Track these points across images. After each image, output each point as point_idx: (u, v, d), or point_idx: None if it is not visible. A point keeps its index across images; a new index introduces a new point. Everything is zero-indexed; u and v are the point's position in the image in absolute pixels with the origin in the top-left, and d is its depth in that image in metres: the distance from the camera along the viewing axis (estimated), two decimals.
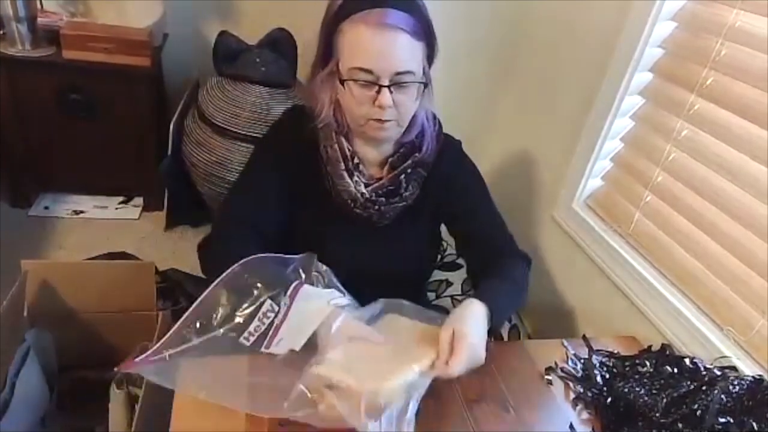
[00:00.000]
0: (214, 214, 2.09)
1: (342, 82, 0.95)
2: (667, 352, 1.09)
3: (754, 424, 0.86)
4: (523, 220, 1.72)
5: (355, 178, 1.04)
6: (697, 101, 1.18)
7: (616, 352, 1.11)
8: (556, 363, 1.05)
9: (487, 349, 0.86)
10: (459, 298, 1.55)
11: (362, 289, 0.94)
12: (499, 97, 1.89)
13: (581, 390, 1.00)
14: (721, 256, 1.13)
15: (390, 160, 1.07)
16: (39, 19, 1.92)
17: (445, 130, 1.14)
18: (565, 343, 1.11)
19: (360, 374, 0.77)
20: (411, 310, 0.94)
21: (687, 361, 1.02)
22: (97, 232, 2.14)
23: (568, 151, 1.51)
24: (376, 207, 1.06)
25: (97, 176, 2.21)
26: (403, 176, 1.06)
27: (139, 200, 2.32)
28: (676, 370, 1.00)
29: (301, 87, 1.99)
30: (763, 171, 1.04)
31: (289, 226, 1.09)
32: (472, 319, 0.87)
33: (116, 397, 1.19)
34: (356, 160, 1.05)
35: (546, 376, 1.03)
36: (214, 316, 0.82)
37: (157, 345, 0.80)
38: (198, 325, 0.81)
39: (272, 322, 0.83)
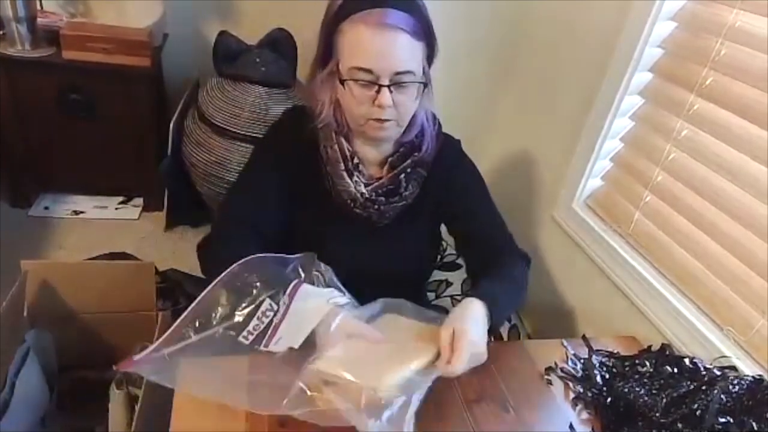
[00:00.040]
0: (213, 214, 2.09)
1: (342, 81, 0.95)
2: (667, 352, 1.09)
3: (754, 424, 0.86)
4: (523, 220, 1.72)
5: (355, 178, 1.04)
6: (697, 101, 1.18)
7: (616, 352, 1.11)
8: (556, 363, 1.05)
9: (487, 348, 0.86)
10: (459, 298, 1.55)
11: (362, 289, 0.94)
12: (499, 97, 1.89)
13: (581, 390, 1.00)
14: (721, 256, 1.13)
15: (390, 159, 1.07)
16: (39, 20, 1.92)
17: (445, 130, 1.14)
18: (565, 343, 1.11)
19: (359, 371, 0.77)
20: (411, 310, 0.94)
21: (687, 361, 1.02)
22: (97, 232, 2.14)
23: (568, 151, 1.51)
24: (376, 206, 1.06)
25: (96, 176, 2.21)
26: (402, 175, 1.06)
27: (139, 200, 2.32)
28: (676, 370, 1.00)
29: (301, 87, 1.99)
30: (763, 171, 1.04)
31: (289, 226, 1.09)
32: (472, 317, 0.87)
33: (116, 398, 1.19)
34: (356, 160, 1.05)
35: (546, 376, 1.03)
36: (213, 315, 0.82)
37: (156, 344, 0.80)
38: (197, 324, 0.81)
39: (271, 321, 0.83)
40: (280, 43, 2.00)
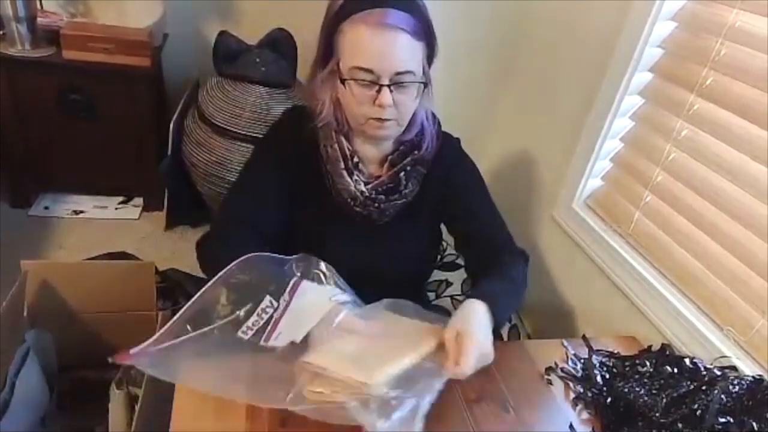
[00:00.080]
0: (213, 214, 2.09)
1: (342, 81, 0.95)
2: (667, 352, 1.09)
3: (754, 424, 0.86)
4: (523, 220, 1.72)
5: (355, 176, 1.04)
6: (697, 101, 1.18)
7: (616, 352, 1.11)
8: (556, 363, 1.05)
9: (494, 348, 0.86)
10: (459, 298, 1.55)
11: (362, 288, 0.94)
12: (499, 97, 1.89)
13: (581, 390, 1.00)
14: (721, 256, 1.13)
15: (390, 157, 1.07)
16: (39, 20, 1.92)
17: (444, 130, 1.14)
18: (565, 343, 1.11)
19: (350, 365, 0.77)
20: (412, 310, 0.94)
21: (687, 361, 1.02)
22: (97, 232, 2.14)
23: (568, 151, 1.51)
24: (376, 204, 1.06)
25: (97, 176, 2.21)
26: (402, 173, 1.06)
27: (139, 200, 2.32)
28: (676, 370, 1.00)
29: (301, 87, 1.99)
30: (763, 171, 1.04)
31: (289, 226, 1.09)
32: (475, 318, 0.87)
33: (116, 397, 1.19)
34: (356, 159, 1.05)
35: (546, 376, 1.03)
36: (212, 311, 0.83)
37: (154, 337, 0.80)
38: (196, 319, 0.81)
39: (271, 316, 0.83)
40: (280, 43, 2.00)
